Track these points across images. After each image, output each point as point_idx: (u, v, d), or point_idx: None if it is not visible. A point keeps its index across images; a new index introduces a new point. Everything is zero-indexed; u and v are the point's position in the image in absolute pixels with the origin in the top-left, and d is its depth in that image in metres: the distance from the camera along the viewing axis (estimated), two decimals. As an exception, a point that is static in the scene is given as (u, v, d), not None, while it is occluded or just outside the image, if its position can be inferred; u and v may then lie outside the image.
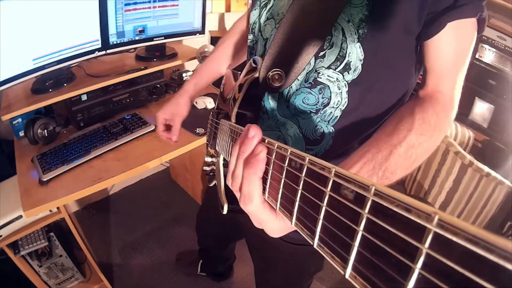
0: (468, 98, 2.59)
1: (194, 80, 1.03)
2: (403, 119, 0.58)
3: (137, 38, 1.59)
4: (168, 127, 1.05)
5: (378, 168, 0.52)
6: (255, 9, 0.76)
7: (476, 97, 2.53)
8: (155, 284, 1.83)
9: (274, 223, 0.41)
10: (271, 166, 0.37)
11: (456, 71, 0.61)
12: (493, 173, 1.77)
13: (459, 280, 0.15)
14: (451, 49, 0.60)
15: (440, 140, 0.60)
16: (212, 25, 2.32)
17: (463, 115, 2.62)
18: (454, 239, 0.15)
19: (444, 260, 0.15)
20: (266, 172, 0.38)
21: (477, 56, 2.43)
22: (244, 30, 1.02)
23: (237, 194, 0.43)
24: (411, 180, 2.36)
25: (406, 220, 0.18)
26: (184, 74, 1.87)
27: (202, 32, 1.78)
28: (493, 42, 2.34)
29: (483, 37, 2.36)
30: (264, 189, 0.39)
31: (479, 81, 2.47)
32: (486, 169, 1.79)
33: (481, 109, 2.52)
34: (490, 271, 0.14)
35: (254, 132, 0.39)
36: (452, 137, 2.21)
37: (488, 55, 2.41)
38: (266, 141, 0.39)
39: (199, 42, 1.85)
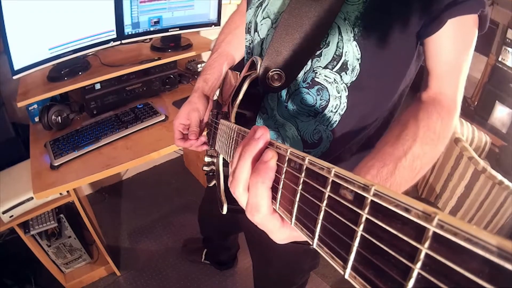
0: (489, 102, 2.52)
1: (203, 77, 0.89)
2: (407, 127, 0.57)
3: (152, 29, 1.60)
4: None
5: (384, 184, 0.51)
6: (250, 8, 0.76)
7: (497, 101, 2.46)
8: (159, 269, 1.87)
9: (280, 233, 0.39)
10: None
11: (458, 70, 0.60)
12: (506, 181, 1.72)
13: (459, 280, 0.15)
14: (452, 47, 0.58)
15: (444, 147, 0.58)
16: (228, 16, 2.30)
17: (483, 119, 2.55)
18: (454, 239, 0.15)
19: (444, 260, 0.15)
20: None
21: (500, 59, 2.35)
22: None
23: (235, 195, 0.41)
24: (423, 183, 2.33)
25: (406, 220, 0.18)
26: (199, 65, 1.88)
27: (217, 24, 1.78)
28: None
29: (507, 39, 2.28)
30: (274, 198, 0.36)
31: (500, 85, 2.40)
32: (499, 177, 1.74)
33: (501, 114, 2.45)
34: (490, 271, 0.14)
35: (261, 133, 0.37)
36: (468, 142, 2.15)
37: (512, 59, 2.33)
38: (275, 145, 0.36)
39: (215, 33, 1.86)
